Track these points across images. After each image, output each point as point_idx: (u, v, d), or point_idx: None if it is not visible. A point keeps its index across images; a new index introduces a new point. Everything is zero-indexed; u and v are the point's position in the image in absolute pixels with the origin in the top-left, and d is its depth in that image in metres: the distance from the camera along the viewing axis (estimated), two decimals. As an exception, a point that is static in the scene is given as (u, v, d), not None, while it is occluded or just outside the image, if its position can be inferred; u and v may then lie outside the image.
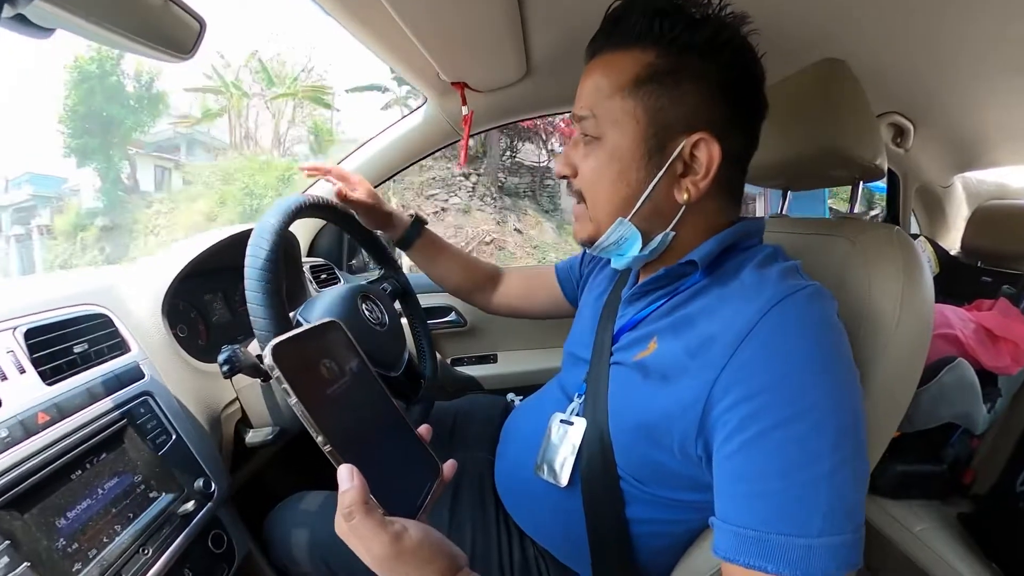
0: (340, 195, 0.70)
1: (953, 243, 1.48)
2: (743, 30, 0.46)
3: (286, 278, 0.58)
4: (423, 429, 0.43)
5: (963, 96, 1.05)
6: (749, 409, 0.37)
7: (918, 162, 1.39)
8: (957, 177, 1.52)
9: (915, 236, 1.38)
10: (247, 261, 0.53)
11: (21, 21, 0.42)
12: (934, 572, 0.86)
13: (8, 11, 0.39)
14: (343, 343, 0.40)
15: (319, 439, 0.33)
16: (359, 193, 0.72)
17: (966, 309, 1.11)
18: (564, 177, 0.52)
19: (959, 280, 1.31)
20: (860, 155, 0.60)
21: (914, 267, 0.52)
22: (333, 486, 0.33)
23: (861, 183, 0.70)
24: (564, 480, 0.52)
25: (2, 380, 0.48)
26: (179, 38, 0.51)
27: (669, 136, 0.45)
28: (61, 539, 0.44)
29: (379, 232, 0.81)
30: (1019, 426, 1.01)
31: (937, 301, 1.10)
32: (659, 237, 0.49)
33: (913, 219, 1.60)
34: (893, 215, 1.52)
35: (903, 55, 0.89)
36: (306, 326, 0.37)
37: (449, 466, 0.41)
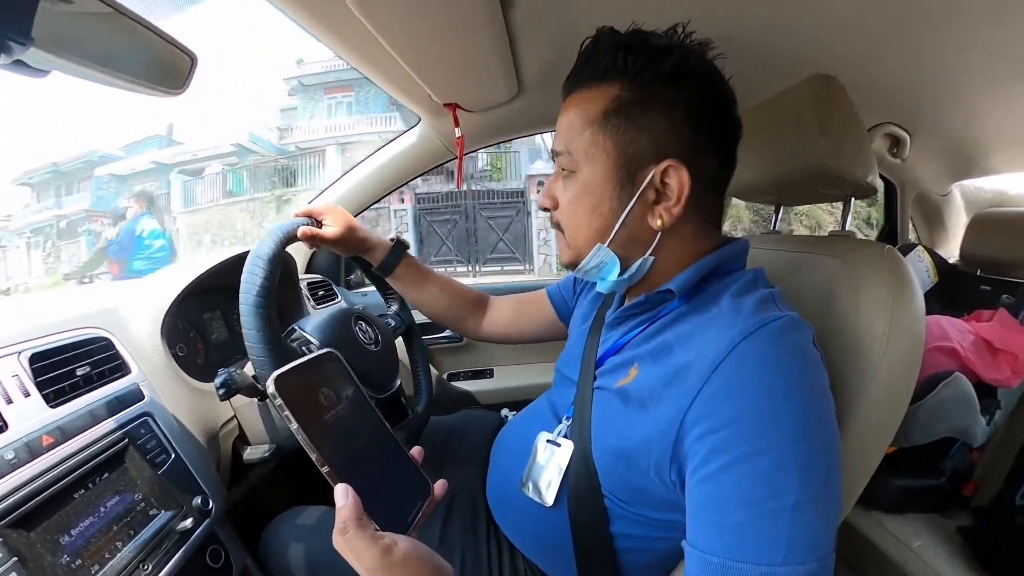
0: (305, 236, 0.64)
1: (952, 251, 1.47)
2: (709, 55, 0.47)
3: (282, 296, 0.60)
4: (415, 451, 0.44)
5: (959, 105, 1.04)
6: (715, 442, 0.38)
7: (915, 171, 1.39)
8: (955, 185, 1.51)
9: (913, 245, 1.36)
10: (242, 288, 0.55)
11: (18, 64, 0.44)
12: None
13: (4, 59, 0.41)
14: (339, 372, 0.42)
15: (317, 460, 0.35)
16: (329, 225, 0.68)
17: (965, 320, 1.09)
18: (546, 209, 0.54)
19: (958, 289, 1.29)
20: (851, 172, 0.60)
21: (904, 286, 0.52)
22: (326, 501, 0.34)
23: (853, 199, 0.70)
24: (550, 500, 0.53)
25: (7, 404, 0.50)
26: (171, 74, 0.52)
27: (639, 165, 0.46)
28: (65, 555, 0.46)
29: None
30: (1019, 439, 0.99)
31: (936, 311, 1.12)
32: (637, 262, 0.50)
33: (912, 228, 1.59)
34: (891, 225, 1.52)
35: (896, 66, 0.88)
36: (306, 357, 0.40)
37: (440, 485, 0.43)
